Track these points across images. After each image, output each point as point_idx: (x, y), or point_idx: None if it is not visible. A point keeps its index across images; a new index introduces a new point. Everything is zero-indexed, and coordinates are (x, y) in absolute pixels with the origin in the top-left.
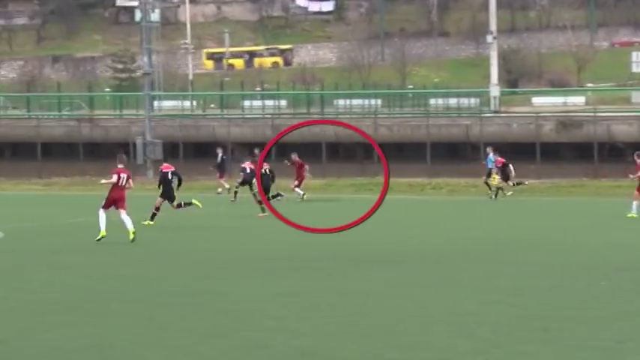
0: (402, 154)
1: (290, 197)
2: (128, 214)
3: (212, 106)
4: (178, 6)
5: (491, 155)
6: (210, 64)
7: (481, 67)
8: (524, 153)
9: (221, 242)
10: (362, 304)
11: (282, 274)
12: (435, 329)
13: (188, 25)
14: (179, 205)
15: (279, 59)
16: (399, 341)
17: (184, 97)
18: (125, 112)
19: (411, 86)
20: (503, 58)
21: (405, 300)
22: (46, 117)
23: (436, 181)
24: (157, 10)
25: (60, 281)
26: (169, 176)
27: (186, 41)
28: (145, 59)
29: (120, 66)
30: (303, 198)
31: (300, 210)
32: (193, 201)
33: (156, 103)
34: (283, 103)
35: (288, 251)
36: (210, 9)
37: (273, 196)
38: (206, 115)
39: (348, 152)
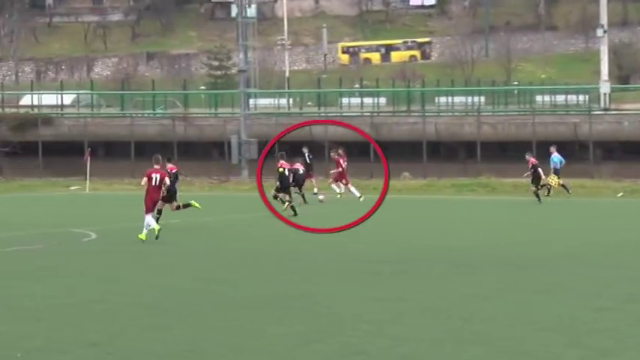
0: (506, 153)
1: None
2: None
3: (309, 104)
4: (275, 1)
5: (555, 154)
6: (345, 59)
7: (590, 62)
8: (636, 152)
9: (318, 243)
10: (466, 309)
11: (383, 277)
12: (544, 337)
13: (285, 21)
14: (178, 207)
15: (416, 53)
16: (505, 348)
17: (281, 95)
18: (220, 110)
19: (516, 83)
20: (614, 52)
21: (511, 306)
22: (140, 115)
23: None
24: (254, 6)
25: (153, 284)
26: (170, 177)
27: (283, 37)
28: (241, 56)
29: (215, 63)
30: (340, 195)
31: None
32: (192, 202)
33: (251, 101)
34: (382, 100)
35: (389, 253)
36: (308, 4)
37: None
38: (303, 113)
39: (450, 151)
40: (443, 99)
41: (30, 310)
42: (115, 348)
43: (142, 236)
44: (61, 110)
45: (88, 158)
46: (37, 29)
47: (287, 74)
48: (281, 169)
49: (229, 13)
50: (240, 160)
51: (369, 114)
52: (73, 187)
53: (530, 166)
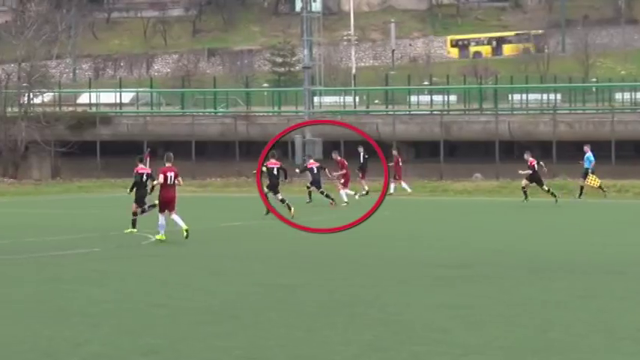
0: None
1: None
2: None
3: (376, 102)
4: None
5: (589, 154)
6: (455, 52)
7: None
8: None
9: (381, 248)
10: (540, 317)
11: (451, 283)
12: (621, 346)
13: (351, 15)
14: (143, 211)
15: (530, 45)
16: (582, 359)
17: (346, 93)
18: (284, 108)
19: (594, 79)
20: None
21: (588, 313)
22: (200, 114)
23: (621, 182)
24: (319, 0)
25: (214, 289)
26: (144, 178)
27: (350, 32)
28: (306, 52)
29: (279, 59)
30: (356, 196)
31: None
32: (156, 202)
33: (316, 99)
34: (453, 98)
35: (457, 258)
36: None
37: (283, 200)
38: (369, 111)
39: (524, 151)
40: (517, 96)
41: (87, 315)
42: (175, 355)
43: (161, 237)
44: (120, 109)
45: (148, 159)
46: (96, 25)
47: (353, 71)
48: (265, 168)
49: (293, 7)
50: (304, 160)
51: (438, 112)
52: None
53: (529, 165)
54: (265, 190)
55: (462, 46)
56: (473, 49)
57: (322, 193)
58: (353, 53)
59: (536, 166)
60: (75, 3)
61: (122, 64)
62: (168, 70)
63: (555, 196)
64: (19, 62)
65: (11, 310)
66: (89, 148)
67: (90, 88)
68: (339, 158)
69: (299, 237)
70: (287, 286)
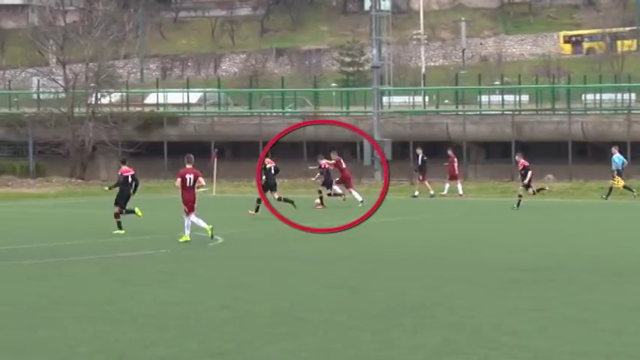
0: None
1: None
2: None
3: (446, 101)
4: None
5: (616, 155)
6: (567, 49)
7: None
8: None
9: (451, 250)
10: (616, 321)
11: (522, 286)
12: None
13: (421, 14)
14: (120, 213)
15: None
16: None
17: (416, 92)
18: (352, 108)
19: None
20: None
21: None
22: (268, 114)
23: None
24: None
25: (282, 290)
26: (129, 180)
27: (419, 31)
28: (374, 51)
29: (347, 59)
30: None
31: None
32: (135, 209)
33: (385, 99)
34: (525, 98)
35: (528, 260)
36: None
37: (279, 199)
38: (439, 111)
39: (598, 152)
40: (590, 96)
41: (154, 317)
42: (242, 357)
43: (186, 238)
44: (187, 109)
45: (215, 159)
46: (163, 25)
47: (423, 70)
48: (268, 166)
49: (362, 6)
50: (372, 161)
51: (510, 112)
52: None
53: (520, 167)
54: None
55: (576, 42)
56: (587, 45)
57: (329, 194)
58: (422, 52)
59: (529, 172)
60: (142, 2)
61: (190, 63)
62: (236, 69)
63: (519, 203)
64: (86, 62)
65: (78, 312)
66: (156, 149)
67: (157, 88)
68: (336, 157)
69: (364, 238)
70: (354, 287)
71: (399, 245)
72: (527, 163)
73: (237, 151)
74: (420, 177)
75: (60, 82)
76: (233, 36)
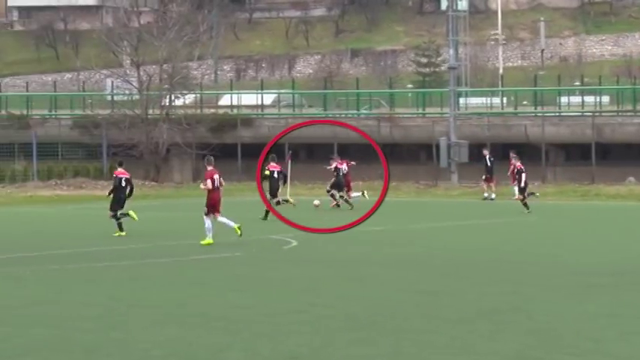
0: None
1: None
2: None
3: (524, 103)
4: None
5: None
6: None
7: None
8: None
9: (528, 254)
10: None
11: (601, 291)
12: None
13: (499, 14)
14: (115, 216)
15: None
16: None
17: (493, 94)
18: (428, 110)
19: None
20: None
21: None
22: (343, 116)
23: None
24: None
25: (356, 294)
26: (123, 183)
27: (497, 31)
28: (451, 52)
29: (423, 60)
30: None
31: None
32: (130, 212)
33: (462, 100)
34: (606, 99)
35: (606, 265)
36: None
37: (278, 202)
38: (517, 112)
39: None
40: None
41: (228, 320)
42: None
43: (209, 241)
44: (261, 111)
45: (289, 161)
46: (237, 26)
47: (500, 71)
48: (267, 172)
49: (439, 6)
50: (449, 163)
51: (590, 114)
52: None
53: (514, 169)
54: (268, 196)
55: None
56: None
57: (341, 197)
58: (500, 53)
59: (523, 174)
60: (217, 3)
61: (264, 65)
62: (311, 71)
63: (527, 205)
64: (160, 64)
65: (152, 315)
66: (230, 151)
67: (231, 89)
68: (337, 160)
69: (437, 241)
70: (429, 292)
71: (473, 249)
72: (521, 166)
73: (311, 153)
74: (486, 179)
75: (134, 83)
76: (307, 37)
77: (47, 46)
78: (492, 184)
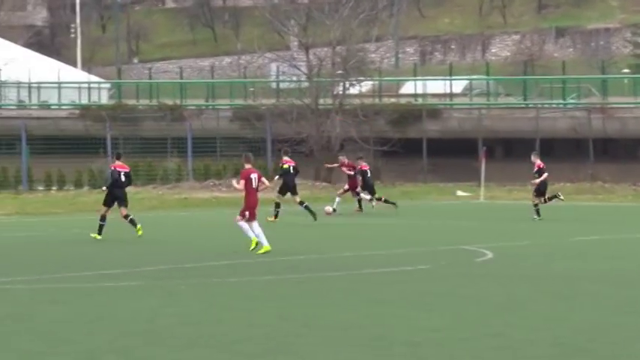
0: None
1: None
2: None
3: None
4: None
5: None
6: None
7: None
8: None
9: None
10: None
11: None
12: None
13: None
14: (127, 217)
15: None
16: None
17: None
18: None
19: None
20: None
21: None
22: (546, 106)
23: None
24: None
25: (564, 315)
26: (122, 178)
27: None
28: None
29: None
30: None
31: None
32: (138, 227)
33: None
34: None
35: None
36: None
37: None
38: None
39: None
40: None
41: (413, 345)
42: None
43: (267, 248)
44: (450, 100)
45: (483, 159)
46: (422, 1)
47: None
48: (285, 166)
49: None
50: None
51: None
52: (461, 194)
53: (535, 169)
54: (277, 194)
55: None
56: None
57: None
58: None
59: (544, 174)
60: None
61: (453, 46)
62: (508, 53)
63: (539, 212)
64: (333, 46)
65: (326, 336)
66: (414, 147)
67: (415, 75)
68: (346, 161)
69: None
70: None
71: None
72: (542, 165)
73: (509, 150)
74: None
75: (302, 69)
76: (505, 13)
77: (203, 26)
78: None
